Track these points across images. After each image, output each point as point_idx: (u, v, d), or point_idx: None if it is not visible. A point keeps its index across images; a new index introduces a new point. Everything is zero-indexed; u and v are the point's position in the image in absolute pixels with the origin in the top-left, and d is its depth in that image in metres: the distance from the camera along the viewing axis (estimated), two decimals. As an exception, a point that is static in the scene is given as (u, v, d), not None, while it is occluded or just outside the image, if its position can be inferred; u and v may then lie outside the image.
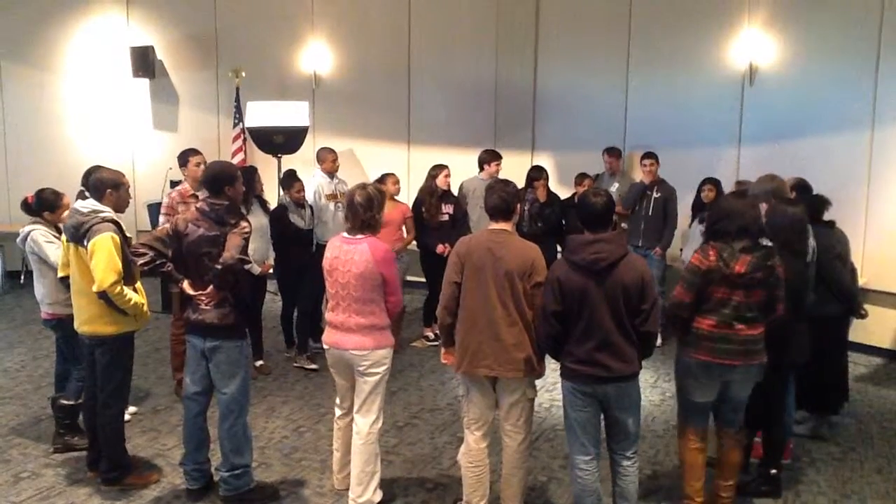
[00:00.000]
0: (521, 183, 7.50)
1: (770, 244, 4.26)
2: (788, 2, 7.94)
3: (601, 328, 3.84)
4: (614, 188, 8.13)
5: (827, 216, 5.43)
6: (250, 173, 6.52)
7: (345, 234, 4.43)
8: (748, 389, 4.31)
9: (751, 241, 4.12)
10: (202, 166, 5.75)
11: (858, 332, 6.66)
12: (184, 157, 6.10)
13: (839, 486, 4.94)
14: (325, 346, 4.55)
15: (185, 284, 4.41)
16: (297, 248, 6.90)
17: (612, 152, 8.46)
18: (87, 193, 4.72)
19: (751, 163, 7.97)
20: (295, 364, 7.04)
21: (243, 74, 10.02)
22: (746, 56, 8.13)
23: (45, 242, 5.17)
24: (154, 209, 9.35)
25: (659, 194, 7.83)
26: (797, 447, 5.29)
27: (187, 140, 9.14)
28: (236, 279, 4.34)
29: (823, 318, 5.10)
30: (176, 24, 10.61)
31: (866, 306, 5.84)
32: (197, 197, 5.91)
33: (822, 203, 5.42)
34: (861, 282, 6.58)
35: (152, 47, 10.56)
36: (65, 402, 5.24)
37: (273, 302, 7.77)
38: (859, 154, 7.54)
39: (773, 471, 4.73)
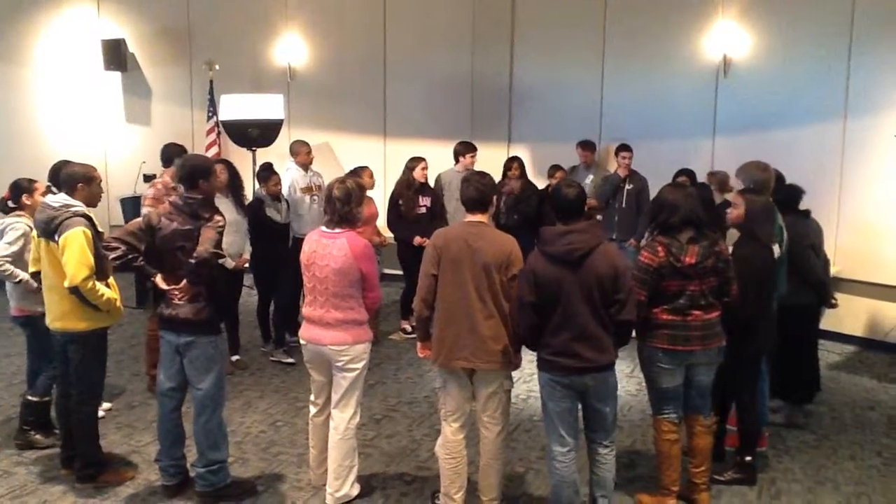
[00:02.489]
0: (498, 175, 7.54)
1: (713, 232, 4.31)
2: (761, -7, 8.01)
3: (577, 319, 3.85)
4: (588, 181, 8.15)
5: (800, 206, 5.49)
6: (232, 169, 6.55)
7: (323, 228, 4.41)
8: (711, 373, 4.39)
9: (695, 231, 4.18)
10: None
11: (831, 320, 6.75)
12: (181, 152, 6.11)
13: (813, 473, 5.00)
14: (301, 342, 4.53)
15: (159, 279, 4.36)
16: (274, 242, 6.86)
17: (587, 146, 8.48)
18: (54, 189, 4.65)
19: (725, 154, 8.02)
20: (272, 358, 7.00)
21: (217, 67, 9.92)
22: (720, 48, 8.18)
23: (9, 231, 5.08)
24: (128, 203, 9.27)
25: (632, 186, 7.90)
26: (772, 435, 5.34)
27: (160, 134, 9.08)
28: (210, 274, 4.30)
29: (796, 307, 5.15)
30: (148, 17, 10.48)
31: (838, 295, 5.89)
32: (177, 189, 5.89)
33: (795, 193, 5.48)
34: (833, 271, 6.65)
35: (124, 40, 10.42)
36: (30, 398, 5.16)
37: (249, 296, 7.71)
38: (832, 145, 7.62)
39: (748, 458, 4.78)
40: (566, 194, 3.96)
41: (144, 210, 5.94)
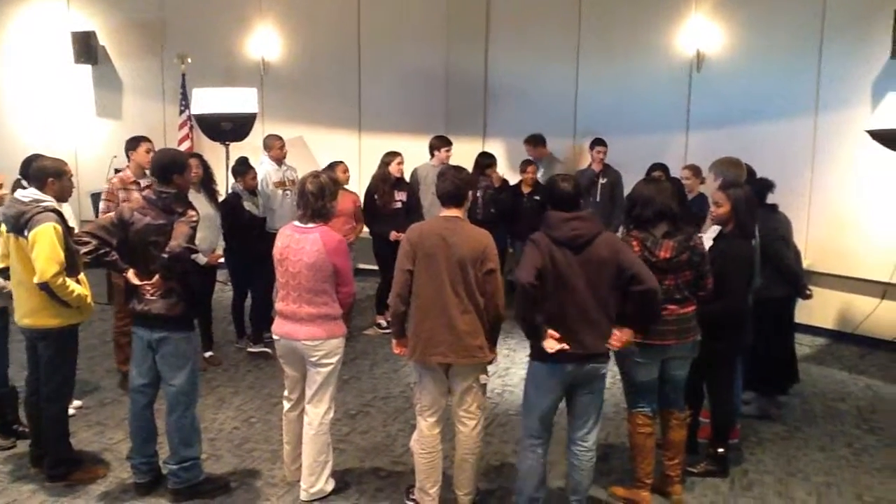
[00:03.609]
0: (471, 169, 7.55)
1: (688, 227, 4.35)
2: (734, -11, 8.07)
3: (580, 304, 3.86)
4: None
5: (771, 199, 5.54)
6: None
7: (296, 223, 4.38)
8: (686, 367, 4.42)
9: (670, 226, 4.21)
10: (152, 154, 5.65)
11: (802, 313, 6.81)
12: (135, 143, 6.04)
13: (785, 464, 5.06)
14: (274, 337, 4.50)
15: (131, 274, 4.30)
16: (252, 236, 6.80)
17: (531, 141, 8.49)
18: (24, 183, 4.57)
19: (698, 148, 8.07)
20: (249, 350, 6.95)
21: (189, 60, 9.83)
22: (694, 43, 8.23)
23: None
24: (98, 198, 9.10)
25: (606, 180, 7.96)
26: (744, 427, 5.39)
27: (132, 128, 8.92)
28: (183, 268, 4.25)
29: (771, 300, 5.21)
30: (119, 9, 10.32)
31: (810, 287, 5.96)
32: (139, 184, 5.84)
33: (765, 187, 5.53)
34: (805, 264, 6.71)
35: (94, 32, 10.27)
36: None
37: (223, 292, 7.65)
38: (803, 139, 7.70)
39: (721, 450, 4.82)
40: (563, 188, 3.97)
41: (102, 206, 5.90)
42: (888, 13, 6.83)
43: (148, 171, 5.39)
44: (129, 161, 6.10)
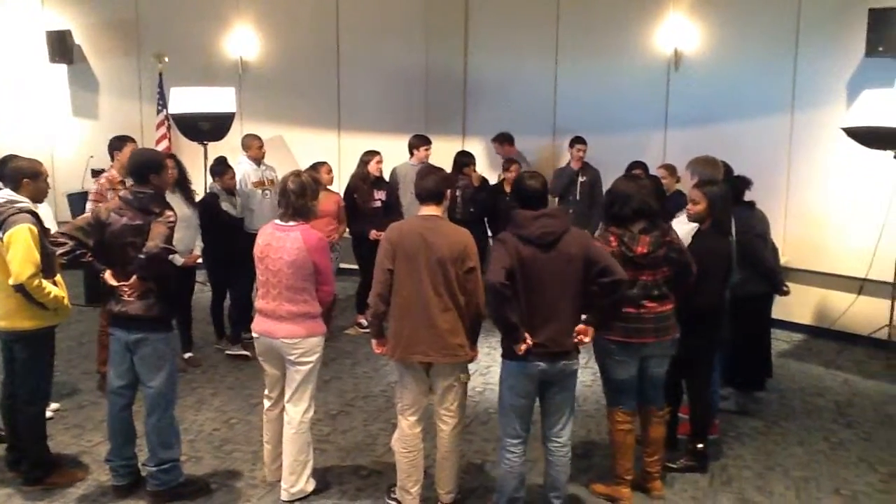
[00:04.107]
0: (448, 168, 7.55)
1: (664, 223, 4.38)
2: (711, -12, 8.12)
3: (549, 301, 3.87)
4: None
5: (749, 197, 5.59)
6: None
7: (277, 221, 4.38)
8: (665, 365, 4.45)
9: (647, 222, 4.24)
10: None
11: (780, 309, 6.87)
12: (120, 143, 6.04)
13: (763, 458, 5.10)
14: (254, 335, 4.48)
15: (108, 275, 4.26)
16: (229, 237, 6.76)
17: (504, 139, 8.51)
18: None
19: (677, 146, 8.13)
20: (228, 352, 6.92)
21: (166, 60, 9.74)
22: (671, 42, 8.28)
23: None
24: (76, 199, 9.06)
25: (585, 178, 8.00)
26: (723, 422, 5.44)
27: (108, 127, 8.85)
28: (161, 269, 4.23)
29: (748, 296, 5.25)
30: (94, 8, 10.21)
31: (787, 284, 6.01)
32: (125, 183, 5.78)
33: (742, 184, 5.57)
34: (782, 261, 6.78)
35: (69, 31, 10.15)
36: None
37: (202, 292, 7.59)
38: (780, 137, 7.77)
39: (700, 446, 4.86)
40: (531, 185, 3.99)
41: (89, 206, 5.85)
42: (863, 11, 6.90)
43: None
44: (113, 161, 6.06)
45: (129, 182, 5.69)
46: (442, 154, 7.97)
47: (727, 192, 4.80)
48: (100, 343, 6.05)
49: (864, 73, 7.13)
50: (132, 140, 6.11)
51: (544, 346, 3.89)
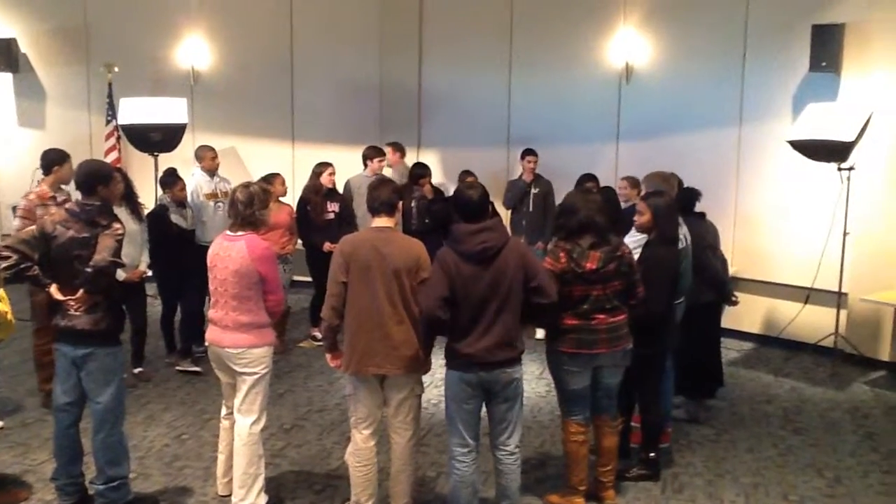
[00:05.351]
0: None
1: (614, 237, 4.42)
2: (661, 3, 8.25)
3: (488, 315, 3.88)
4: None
5: (698, 208, 5.68)
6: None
7: (227, 232, 4.38)
8: (618, 375, 4.48)
9: (597, 237, 4.27)
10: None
11: (729, 318, 7.00)
12: (61, 158, 5.73)
13: (714, 466, 5.18)
14: (206, 344, 4.46)
15: (53, 289, 4.16)
16: (180, 249, 6.65)
17: (396, 148, 8.59)
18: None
19: (628, 159, 8.24)
20: (177, 368, 6.80)
21: (116, 69, 9.58)
22: (623, 55, 8.39)
23: None
24: (20, 211, 8.84)
25: (538, 190, 8.05)
26: (675, 431, 5.49)
27: (55, 138, 8.69)
28: (108, 283, 4.15)
29: (697, 305, 5.32)
30: (41, 15, 10.01)
31: (736, 294, 6.12)
32: (55, 199, 5.61)
33: (693, 195, 5.67)
34: (731, 271, 6.90)
35: (15, 39, 9.94)
36: None
37: (152, 306, 7.46)
38: (728, 149, 7.91)
39: (652, 455, 4.90)
40: (469, 196, 4.00)
41: (16, 223, 5.63)
42: (806, 28, 7.08)
43: (66, 185, 5.20)
44: (47, 175, 5.73)
45: (59, 197, 5.57)
46: (397, 165, 7.97)
47: (672, 203, 4.87)
48: (38, 363, 5.88)
49: (808, 88, 7.30)
50: (69, 156, 5.80)
51: (482, 357, 3.90)
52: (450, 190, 8.40)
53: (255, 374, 4.31)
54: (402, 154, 8.70)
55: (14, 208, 8.88)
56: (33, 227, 4.40)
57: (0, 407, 5.33)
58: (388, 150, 8.34)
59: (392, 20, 9.44)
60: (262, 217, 4.36)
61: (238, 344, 4.26)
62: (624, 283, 4.34)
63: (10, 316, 4.39)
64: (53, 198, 5.59)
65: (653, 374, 4.82)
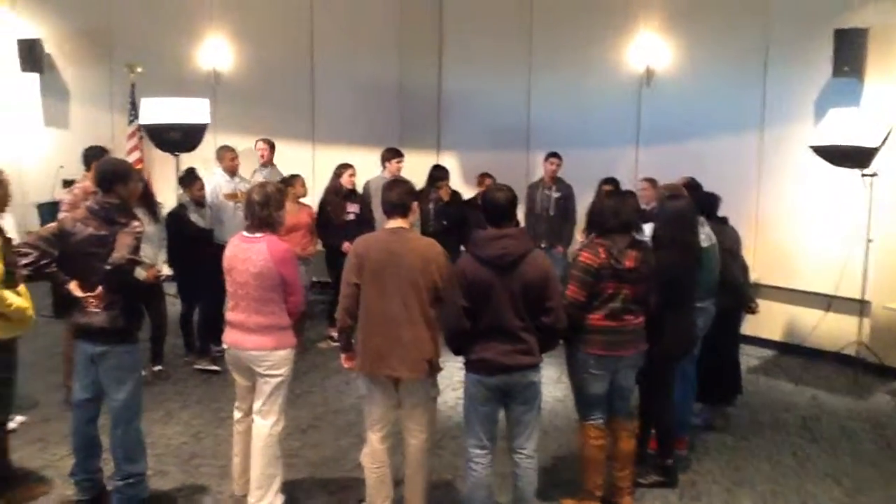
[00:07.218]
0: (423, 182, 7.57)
1: (645, 239, 4.45)
2: (680, 7, 8.21)
3: (505, 322, 3.86)
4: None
5: (719, 213, 5.64)
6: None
7: (244, 233, 4.36)
8: (633, 377, 4.49)
9: (632, 238, 4.30)
10: None
11: (750, 325, 6.94)
12: (101, 153, 5.91)
13: (732, 474, 5.13)
14: (224, 346, 4.45)
15: (73, 286, 4.20)
16: (199, 249, 6.69)
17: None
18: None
19: (648, 162, 8.20)
20: (196, 366, 6.84)
21: (139, 70, 9.66)
22: (643, 59, 8.36)
23: None
24: (45, 209, 8.95)
25: (559, 194, 8.01)
26: (693, 438, 5.46)
27: (80, 138, 8.78)
28: (126, 281, 4.18)
29: (718, 312, 5.27)
30: (66, 17, 10.13)
31: (757, 300, 6.06)
32: (97, 193, 5.71)
33: (713, 200, 5.63)
34: (752, 277, 6.84)
35: (41, 40, 10.07)
36: None
37: (172, 305, 7.51)
38: (749, 154, 7.86)
39: (669, 461, 4.87)
40: (497, 198, 3.97)
41: (61, 216, 5.75)
42: (829, 32, 7.01)
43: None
44: (88, 171, 5.94)
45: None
46: (416, 167, 7.98)
47: (682, 209, 4.81)
48: (65, 357, 5.96)
49: (830, 93, 7.24)
50: (108, 152, 6.03)
51: (501, 361, 3.89)
52: (467, 193, 8.40)
53: (279, 376, 4.32)
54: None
55: (40, 206, 9.05)
56: (53, 224, 4.46)
57: (22, 402, 5.39)
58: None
59: (412, 23, 9.46)
60: (279, 218, 4.36)
61: (262, 346, 4.26)
62: (645, 287, 4.33)
63: (30, 312, 4.42)
64: (95, 192, 5.69)
65: (668, 378, 4.78)
